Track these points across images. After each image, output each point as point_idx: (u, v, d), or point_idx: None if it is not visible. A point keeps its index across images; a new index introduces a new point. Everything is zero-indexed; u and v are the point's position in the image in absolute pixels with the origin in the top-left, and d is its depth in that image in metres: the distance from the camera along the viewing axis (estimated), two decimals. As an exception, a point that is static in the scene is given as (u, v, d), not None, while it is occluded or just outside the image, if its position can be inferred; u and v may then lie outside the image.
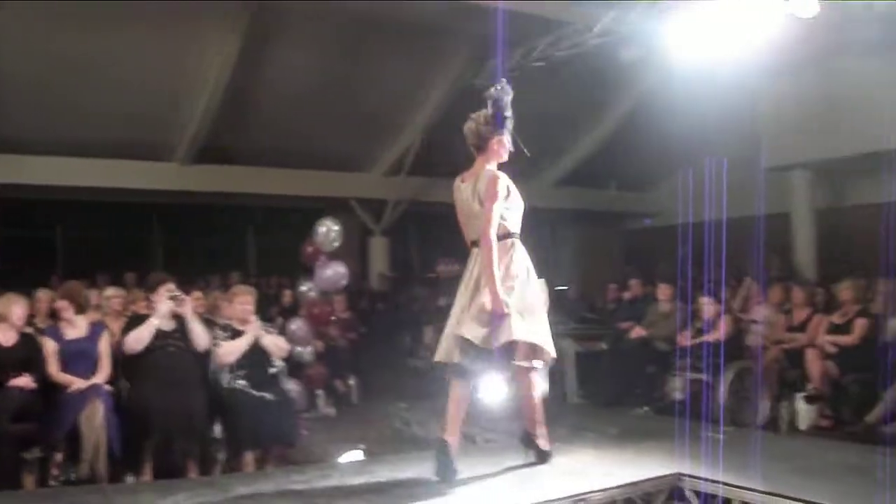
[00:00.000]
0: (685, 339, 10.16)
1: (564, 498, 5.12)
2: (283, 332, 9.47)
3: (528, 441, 6.22)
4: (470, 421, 8.13)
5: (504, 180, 5.86)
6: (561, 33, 13.20)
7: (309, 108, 14.49)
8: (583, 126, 17.47)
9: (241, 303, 7.89)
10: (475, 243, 5.83)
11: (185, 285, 8.17)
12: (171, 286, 7.58)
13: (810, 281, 13.16)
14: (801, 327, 10.20)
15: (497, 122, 5.97)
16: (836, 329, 9.85)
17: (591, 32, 12.67)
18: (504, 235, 5.84)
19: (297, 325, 10.44)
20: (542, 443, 6.17)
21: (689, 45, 10.84)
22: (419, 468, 5.97)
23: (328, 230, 11.00)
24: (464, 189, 6.01)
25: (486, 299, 5.56)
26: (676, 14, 10.87)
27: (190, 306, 7.55)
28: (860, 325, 9.67)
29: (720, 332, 9.76)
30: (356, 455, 7.69)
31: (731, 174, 10.65)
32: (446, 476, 5.62)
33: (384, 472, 5.86)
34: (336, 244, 11.07)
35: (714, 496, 5.42)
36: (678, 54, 11.14)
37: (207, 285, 12.76)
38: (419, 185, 17.43)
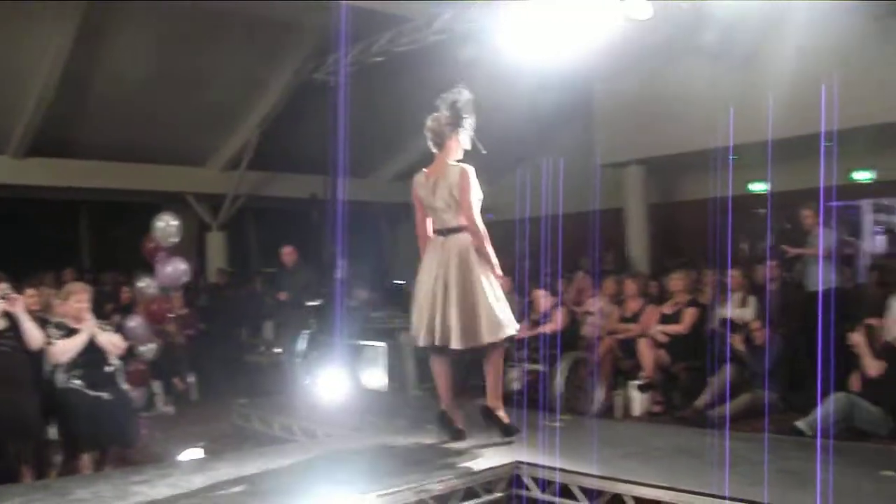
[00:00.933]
0: (522, 331, 10.34)
1: (406, 489, 5.14)
2: (120, 329, 9.25)
3: (489, 415, 6.45)
4: (311, 416, 8.15)
5: (474, 173, 6.32)
6: (400, 29, 13.27)
7: (146, 100, 14.22)
8: (420, 121, 17.56)
9: (76, 300, 7.65)
10: (440, 232, 6.35)
11: (18, 283, 7.89)
12: (2, 285, 7.31)
13: (642, 273, 13.59)
14: (634, 318, 10.53)
15: (455, 122, 6.51)
16: (666, 319, 10.21)
17: (429, 29, 12.77)
18: None
19: (135, 322, 10.22)
20: (504, 415, 6.48)
21: (526, 44, 11.03)
22: (261, 464, 5.92)
23: (166, 225, 10.80)
24: (427, 184, 6.42)
25: (479, 292, 6.15)
26: (514, 13, 11.04)
27: (22, 305, 7.29)
28: (689, 314, 10.07)
29: (556, 324, 9.98)
30: (196, 453, 7.55)
31: (569, 171, 10.91)
32: (459, 437, 6.41)
33: (226, 470, 5.77)
34: (174, 239, 10.87)
35: (552, 482, 5.53)
36: (515, 53, 11.31)
37: (41, 283, 12.34)
38: (257, 179, 17.31)
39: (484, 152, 6.58)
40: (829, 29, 11.54)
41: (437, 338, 6.14)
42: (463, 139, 6.56)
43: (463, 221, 6.29)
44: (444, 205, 6.28)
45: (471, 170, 6.33)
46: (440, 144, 6.56)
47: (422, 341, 6.29)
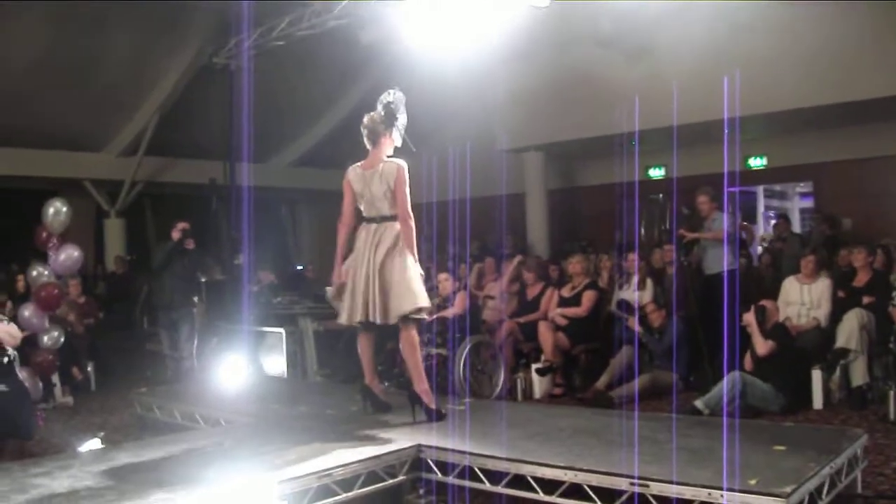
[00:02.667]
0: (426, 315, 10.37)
1: (308, 475, 5.12)
2: (13, 319, 9.03)
3: (417, 401, 6.65)
4: (212, 403, 8.06)
5: (407, 168, 6.72)
6: (301, 13, 13.18)
7: (39, 84, 13.91)
8: (321, 107, 17.51)
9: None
10: (373, 220, 6.72)
11: None
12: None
13: (542, 257, 13.73)
14: (534, 301, 10.63)
15: (388, 121, 6.85)
16: (565, 302, 10.33)
17: (330, 13, 12.71)
18: None
19: (30, 310, 9.99)
20: (428, 400, 6.64)
21: (428, 30, 11.04)
22: (162, 452, 5.86)
23: (56, 211, 10.55)
24: (367, 175, 6.81)
25: (400, 269, 6.53)
26: (414, -2, 11.06)
27: None
28: (588, 297, 10.21)
29: (458, 308, 10.02)
30: (96, 444, 7.42)
31: (470, 156, 10.96)
32: (383, 409, 6.93)
33: (127, 459, 5.69)
34: (65, 225, 10.63)
35: (455, 465, 5.56)
36: (417, 38, 11.32)
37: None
38: (156, 165, 17.06)
39: (414, 150, 6.95)
40: (728, 17, 11.78)
41: (370, 314, 6.51)
42: (395, 137, 6.93)
43: (396, 211, 6.66)
44: (381, 195, 6.68)
45: (405, 166, 6.72)
46: (374, 141, 6.93)
47: (358, 317, 6.61)
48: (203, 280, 11.49)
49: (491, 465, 5.40)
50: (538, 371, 9.92)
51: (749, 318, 8.53)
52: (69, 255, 10.45)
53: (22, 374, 7.82)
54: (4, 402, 7.07)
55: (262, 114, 12.63)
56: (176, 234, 11.09)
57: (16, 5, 12.51)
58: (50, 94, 14.22)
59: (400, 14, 11.45)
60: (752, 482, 4.54)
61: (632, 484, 4.75)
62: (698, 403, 8.00)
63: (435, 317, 9.99)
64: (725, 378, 8.00)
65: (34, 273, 10.46)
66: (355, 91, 17.14)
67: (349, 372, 10.45)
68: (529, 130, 15.48)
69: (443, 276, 10.55)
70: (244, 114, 11.90)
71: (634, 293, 10.28)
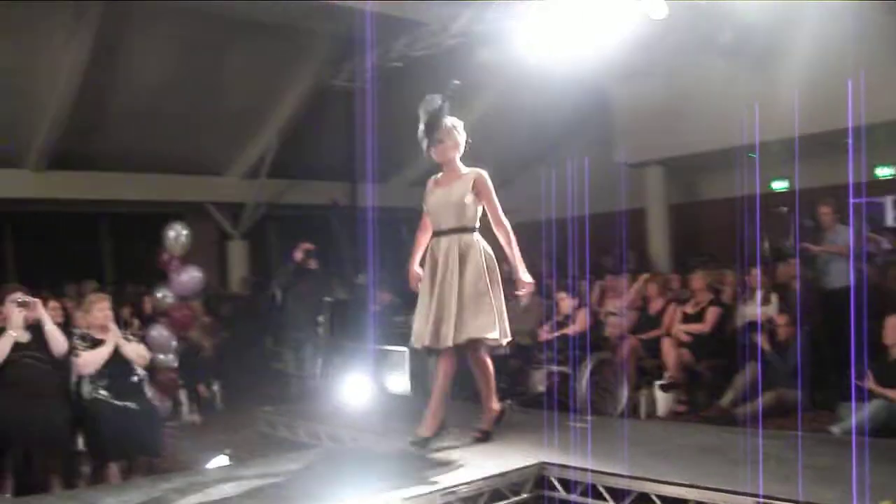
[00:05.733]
0: (546, 333, 10.35)
1: (433, 492, 5.16)
2: (143, 340, 9.29)
3: (500, 417, 6.83)
4: (336, 421, 8.16)
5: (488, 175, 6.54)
6: (417, 34, 13.29)
7: (164, 110, 14.27)
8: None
9: (98, 311, 7.71)
10: (441, 233, 6.43)
11: (40, 295, 7.94)
12: (18, 294, 7.36)
13: (664, 273, 13.57)
14: (657, 318, 10.51)
15: (431, 130, 6.64)
16: (689, 318, 10.19)
17: (446, 33, 12.80)
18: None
19: (157, 331, 10.27)
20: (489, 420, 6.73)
21: (545, 45, 11.04)
22: (288, 469, 5.96)
23: (177, 234, 10.87)
24: (438, 190, 6.60)
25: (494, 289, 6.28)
26: (532, 14, 11.06)
27: (41, 308, 7.35)
28: (712, 313, 10.06)
29: (580, 325, 9.97)
30: (223, 461, 7.58)
31: (590, 172, 10.92)
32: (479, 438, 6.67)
33: (253, 476, 5.80)
34: (186, 248, 10.92)
35: (578, 483, 5.54)
36: (533, 54, 11.33)
37: (62, 294, 12.42)
38: (278, 187, 17.32)
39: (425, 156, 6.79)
40: (849, 23, 11.51)
41: (441, 339, 6.27)
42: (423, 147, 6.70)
43: (464, 223, 6.38)
44: (455, 207, 6.41)
45: (486, 174, 6.56)
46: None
47: (428, 342, 6.40)
48: (327, 300, 11.64)
49: (614, 482, 5.37)
50: (661, 388, 9.80)
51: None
52: (191, 275, 10.72)
53: (150, 392, 8.03)
54: (134, 420, 7.27)
55: (381, 134, 12.70)
56: (299, 255, 11.28)
57: (141, 36, 12.90)
58: (175, 122, 14.59)
59: (517, 30, 11.48)
60: (885, 504, 4.42)
61: (757, 503, 4.67)
62: (834, 429, 7.72)
63: (555, 335, 9.98)
64: (865, 406, 7.67)
65: (159, 294, 10.75)
66: (474, 109, 17.20)
67: (473, 390, 10.48)
68: (649, 144, 15.33)
69: (561, 294, 10.51)
70: (368, 134, 12.04)
71: (758, 308, 10.08)
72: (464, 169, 6.58)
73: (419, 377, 10.60)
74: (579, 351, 9.45)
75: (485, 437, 6.58)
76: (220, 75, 14.13)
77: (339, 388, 9.67)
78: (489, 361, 6.67)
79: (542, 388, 9.76)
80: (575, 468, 5.61)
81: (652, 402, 9.86)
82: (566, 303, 10.40)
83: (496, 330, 6.25)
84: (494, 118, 16.52)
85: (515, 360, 10.63)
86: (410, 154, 18.06)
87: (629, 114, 15.42)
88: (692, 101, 13.92)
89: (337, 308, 11.93)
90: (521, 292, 6.41)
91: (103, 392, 7.34)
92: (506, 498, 5.57)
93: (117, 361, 7.57)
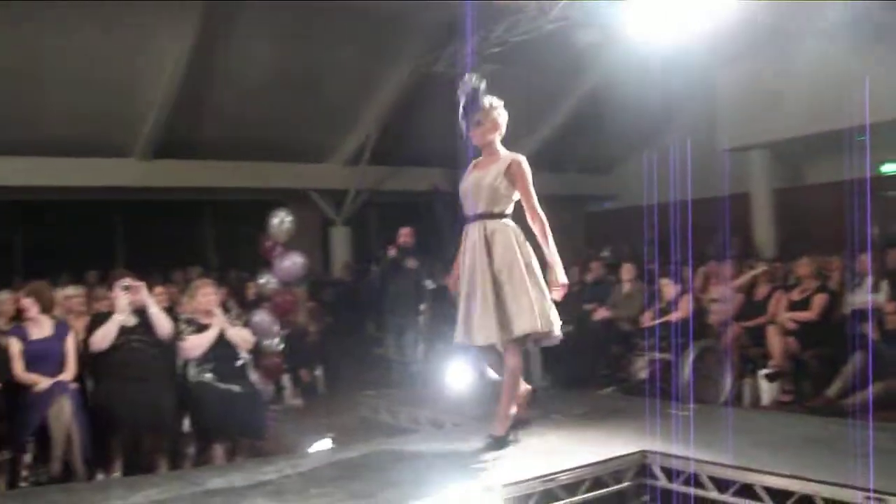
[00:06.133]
0: (648, 320, 10.26)
1: (534, 479, 5.16)
2: (247, 324, 9.44)
3: (524, 423, 6.34)
4: (437, 406, 8.21)
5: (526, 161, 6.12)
6: (517, 18, 13.23)
7: (266, 99, 14.46)
8: (541, 110, 17.49)
9: (203, 295, 7.85)
10: (471, 218, 6.05)
11: (147, 281, 8.12)
12: (126, 279, 7.55)
13: (770, 259, 13.32)
14: (762, 304, 10.33)
15: (471, 109, 6.14)
16: (795, 306, 9.98)
17: (546, 17, 12.72)
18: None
19: (260, 316, 10.42)
20: (501, 428, 6.07)
21: (647, 28, 10.91)
22: (389, 453, 6.01)
23: (281, 221, 10.96)
24: (474, 174, 6.15)
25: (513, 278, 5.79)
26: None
27: (145, 292, 7.51)
28: (819, 300, 9.82)
29: (682, 312, 9.85)
30: (325, 444, 7.68)
31: (692, 156, 10.77)
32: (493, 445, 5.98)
33: (355, 460, 5.87)
34: (290, 234, 11.04)
35: (681, 472, 5.49)
36: (635, 37, 11.21)
37: (168, 280, 12.69)
38: (379, 173, 17.43)
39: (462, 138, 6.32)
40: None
41: (474, 336, 5.87)
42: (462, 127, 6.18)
43: (492, 209, 5.97)
44: (486, 191, 5.96)
45: (523, 159, 6.07)
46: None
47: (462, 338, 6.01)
48: (429, 286, 11.69)
49: (718, 472, 5.30)
50: (766, 377, 9.63)
51: None
52: (294, 261, 10.83)
53: (254, 376, 8.16)
54: (238, 402, 7.39)
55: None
56: (401, 241, 11.35)
57: (242, 28, 13.09)
58: (277, 110, 14.78)
59: (618, 13, 11.36)
60: None
61: (867, 497, 4.55)
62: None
63: (658, 321, 9.88)
64: None
65: (262, 280, 10.91)
66: (575, 94, 17.11)
67: (574, 376, 10.45)
68: (754, 128, 15.08)
69: (664, 280, 10.40)
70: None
71: (868, 296, 9.82)
72: (503, 153, 6.14)
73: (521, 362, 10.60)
74: (682, 338, 9.34)
75: (498, 445, 5.95)
76: (322, 64, 14.26)
77: (440, 374, 9.71)
78: (519, 363, 6.05)
79: (643, 375, 9.68)
80: (677, 457, 5.55)
81: (756, 392, 9.69)
82: (669, 289, 10.27)
83: (538, 322, 5.73)
84: (594, 102, 16.43)
85: (617, 347, 10.58)
86: (512, 138, 18.15)
87: (733, 97, 15.18)
88: (798, 83, 13.63)
89: (438, 294, 11.98)
90: (555, 295, 5.89)
91: (208, 375, 7.47)
92: (607, 486, 5.54)
93: (222, 345, 7.70)
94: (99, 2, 11.83)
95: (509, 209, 6.03)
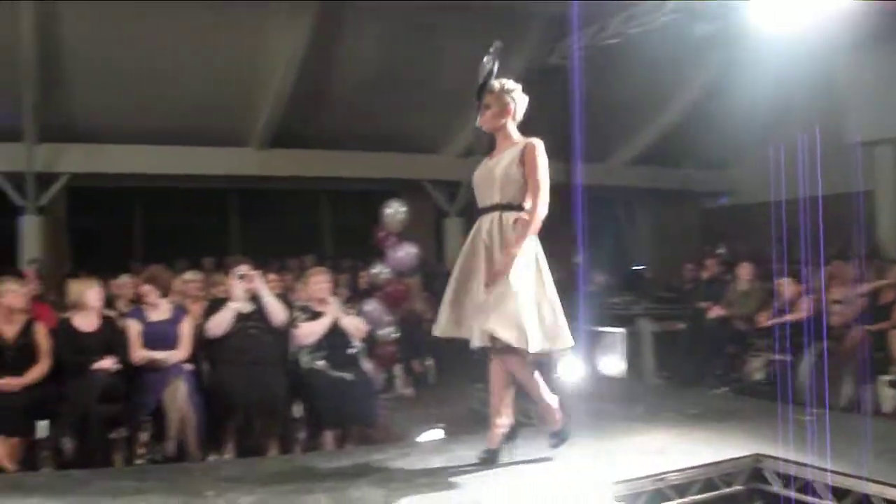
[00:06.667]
0: (765, 319, 10.02)
1: (644, 477, 5.09)
2: (358, 313, 9.52)
3: (514, 436, 5.72)
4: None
5: (542, 147, 5.64)
6: (633, 10, 13.06)
7: (381, 89, 14.53)
8: (657, 103, 17.25)
9: (317, 283, 7.93)
10: (479, 211, 5.75)
11: (262, 268, 8.24)
12: (243, 267, 7.67)
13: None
14: (887, 308, 9.99)
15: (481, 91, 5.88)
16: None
17: (663, 8, 12.53)
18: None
19: (372, 305, 10.48)
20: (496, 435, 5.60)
21: (766, 18, 10.66)
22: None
23: (395, 211, 11.01)
24: (489, 164, 5.78)
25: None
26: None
27: (260, 281, 7.62)
28: (949, 306, 9.45)
29: (802, 312, 9.59)
30: (435, 434, 7.70)
31: (813, 151, 10.49)
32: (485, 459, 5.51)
33: (463, 451, 5.84)
34: (403, 224, 11.07)
35: (795, 478, 5.33)
36: (754, 27, 10.96)
37: (283, 268, 12.86)
38: (491, 165, 17.37)
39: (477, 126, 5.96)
40: None
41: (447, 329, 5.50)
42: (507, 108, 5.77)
43: (506, 199, 5.56)
44: (499, 180, 5.57)
45: (539, 143, 5.59)
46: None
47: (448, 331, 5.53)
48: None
49: (836, 481, 5.14)
50: (889, 383, 9.31)
51: None
52: (407, 251, 10.86)
53: (366, 365, 8.21)
54: (350, 390, 7.46)
55: (597, 112, 12.57)
56: None
57: (359, 19, 13.20)
58: (392, 101, 14.83)
59: (735, 4, 11.12)
60: None
61: None
62: None
63: (776, 321, 9.64)
64: None
65: (375, 270, 10.98)
66: (691, 86, 16.81)
67: (688, 375, 10.29)
68: (882, 123, 14.62)
69: (784, 279, 10.14)
70: (577, 113, 11.93)
71: None
72: (518, 138, 5.69)
73: (634, 359, 10.50)
74: (801, 339, 9.09)
75: (490, 459, 5.51)
76: (436, 56, 14.28)
77: (551, 368, 9.65)
78: (506, 371, 5.55)
79: (759, 376, 9.48)
80: (794, 462, 5.40)
81: (877, 398, 9.37)
82: (789, 288, 10.01)
83: (515, 332, 5.14)
84: (710, 96, 16.12)
85: (732, 346, 10.37)
86: (627, 132, 17.96)
87: (858, 90, 14.74)
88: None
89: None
90: (484, 282, 5.35)
91: (321, 363, 7.55)
92: (717, 488, 5.44)
93: (335, 333, 7.77)
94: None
95: (525, 201, 5.55)
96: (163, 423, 6.95)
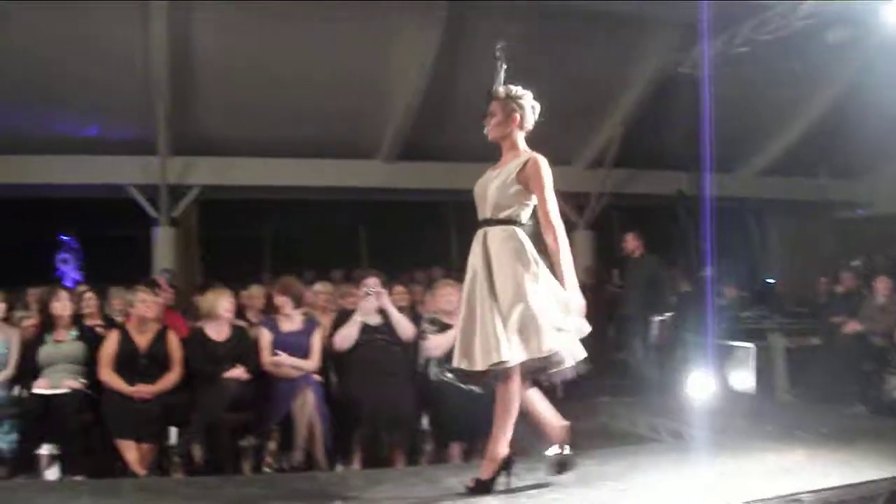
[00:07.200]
0: None
1: (774, 498, 4.96)
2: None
3: (510, 464, 5.31)
4: (678, 416, 8.03)
5: (545, 162, 5.39)
6: (765, 17, 12.81)
7: (510, 101, 14.53)
8: (790, 111, 16.87)
9: (445, 296, 7.96)
10: (479, 224, 5.37)
11: (390, 280, 8.32)
12: (373, 280, 7.74)
13: None
14: None
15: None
16: None
17: (795, 14, 12.26)
18: None
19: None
20: (490, 469, 5.23)
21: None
22: (626, 463, 5.92)
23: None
24: (489, 176, 5.50)
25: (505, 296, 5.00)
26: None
27: (386, 298, 7.69)
28: None
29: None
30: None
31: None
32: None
33: (592, 466, 5.81)
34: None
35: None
36: (893, 30, 10.66)
37: (412, 280, 12.95)
38: (622, 177, 17.24)
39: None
40: None
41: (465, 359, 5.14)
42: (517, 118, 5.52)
43: (500, 214, 5.24)
44: (494, 194, 5.30)
45: (541, 158, 5.32)
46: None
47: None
48: (672, 292, 11.50)
49: None
50: None
51: None
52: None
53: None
54: (478, 403, 7.43)
55: (728, 122, 12.37)
56: (628, 246, 11.27)
57: (487, 31, 13.21)
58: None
59: (873, 9, 10.83)
60: None
61: None
62: None
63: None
64: None
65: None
66: (825, 94, 16.39)
67: (822, 392, 10.03)
68: None
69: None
70: (706, 123, 11.76)
71: None
72: (523, 149, 5.44)
73: (765, 375, 10.28)
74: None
75: (479, 489, 5.17)
76: (565, 66, 14.21)
77: (682, 383, 9.51)
78: (516, 395, 5.27)
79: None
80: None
81: None
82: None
83: (490, 357, 4.91)
84: (846, 104, 15.68)
85: (869, 363, 10.06)
86: (759, 141, 17.60)
87: None
88: None
89: (680, 301, 11.76)
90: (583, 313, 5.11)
91: (449, 374, 7.56)
92: (853, 511, 5.27)
93: (463, 346, 7.78)
94: (350, 1, 12.24)
95: (522, 216, 5.27)
96: (291, 432, 7.10)
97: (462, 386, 7.33)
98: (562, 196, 15.79)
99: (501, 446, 5.18)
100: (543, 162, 5.23)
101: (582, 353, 5.30)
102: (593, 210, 17.76)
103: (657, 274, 11.38)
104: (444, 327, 7.77)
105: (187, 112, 13.74)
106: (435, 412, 7.51)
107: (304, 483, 5.79)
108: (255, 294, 9.25)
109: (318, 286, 9.25)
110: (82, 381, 7.29)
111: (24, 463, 6.97)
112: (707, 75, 12.75)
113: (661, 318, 11.18)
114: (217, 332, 7.63)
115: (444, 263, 16.01)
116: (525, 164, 5.21)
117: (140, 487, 5.89)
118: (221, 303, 7.68)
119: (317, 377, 7.47)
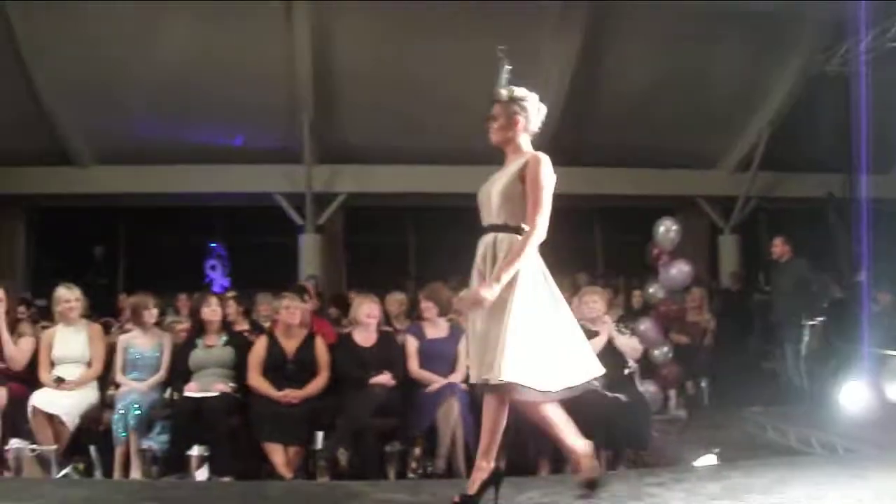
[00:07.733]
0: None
1: (937, 516, 4.73)
2: (633, 333, 9.40)
3: (500, 478, 5.09)
4: (830, 428, 7.74)
5: (548, 161, 5.06)
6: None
7: (653, 104, 14.39)
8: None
9: (590, 302, 7.89)
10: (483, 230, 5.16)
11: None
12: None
13: None
14: None
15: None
16: None
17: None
18: None
19: (646, 325, 10.34)
20: (477, 481, 4.94)
21: None
22: (775, 476, 5.71)
23: (667, 230, 10.86)
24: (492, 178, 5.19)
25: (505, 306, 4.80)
26: None
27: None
28: None
29: None
30: (710, 459, 7.48)
31: None
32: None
33: (739, 478, 5.62)
34: (675, 243, 10.88)
35: None
36: None
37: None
38: (769, 179, 16.84)
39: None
40: None
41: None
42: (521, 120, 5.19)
43: (503, 220, 5.00)
44: (496, 198, 5.01)
45: (544, 157, 4.99)
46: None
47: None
48: (826, 297, 11.14)
49: None
50: None
51: None
52: (680, 270, 10.67)
53: (643, 386, 8.07)
54: (623, 411, 7.36)
55: (881, 121, 11.97)
56: (776, 250, 10.97)
57: (628, 32, 13.09)
58: (664, 115, 14.65)
59: None
60: None
61: None
62: None
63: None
64: None
65: (650, 290, 10.81)
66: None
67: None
68: None
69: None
70: (862, 122, 11.37)
71: None
72: (526, 151, 5.12)
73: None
74: None
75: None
76: (708, 67, 14.01)
77: (834, 393, 9.18)
78: (498, 411, 4.97)
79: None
80: None
81: None
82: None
83: (504, 369, 4.65)
84: None
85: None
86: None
87: None
88: None
89: (833, 307, 11.37)
90: (457, 306, 4.93)
91: (595, 382, 7.46)
92: None
93: (610, 353, 7.69)
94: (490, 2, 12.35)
95: (524, 222, 4.98)
96: (435, 439, 7.15)
97: (607, 394, 7.27)
98: (707, 200, 15.67)
99: (489, 458, 4.96)
100: (546, 160, 4.97)
101: (585, 373, 5.13)
102: (739, 214, 17.38)
103: (806, 278, 11.03)
104: (589, 334, 7.66)
105: (331, 121, 14.00)
106: (581, 420, 7.41)
107: (448, 489, 5.73)
108: (399, 300, 9.32)
109: (463, 293, 9.23)
110: (231, 384, 7.49)
111: (175, 463, 7.14)
112: (862, 72, 12.35)
113: (812, 323, 10.83)
114: (364, 337, 7.74)
115: (588, 269, 15.90)
116: (526, 162, 4.95)
117: (287, 490, 5.98)
118: (368, 308, 7.78)
119: (463, 385, 7.45)
